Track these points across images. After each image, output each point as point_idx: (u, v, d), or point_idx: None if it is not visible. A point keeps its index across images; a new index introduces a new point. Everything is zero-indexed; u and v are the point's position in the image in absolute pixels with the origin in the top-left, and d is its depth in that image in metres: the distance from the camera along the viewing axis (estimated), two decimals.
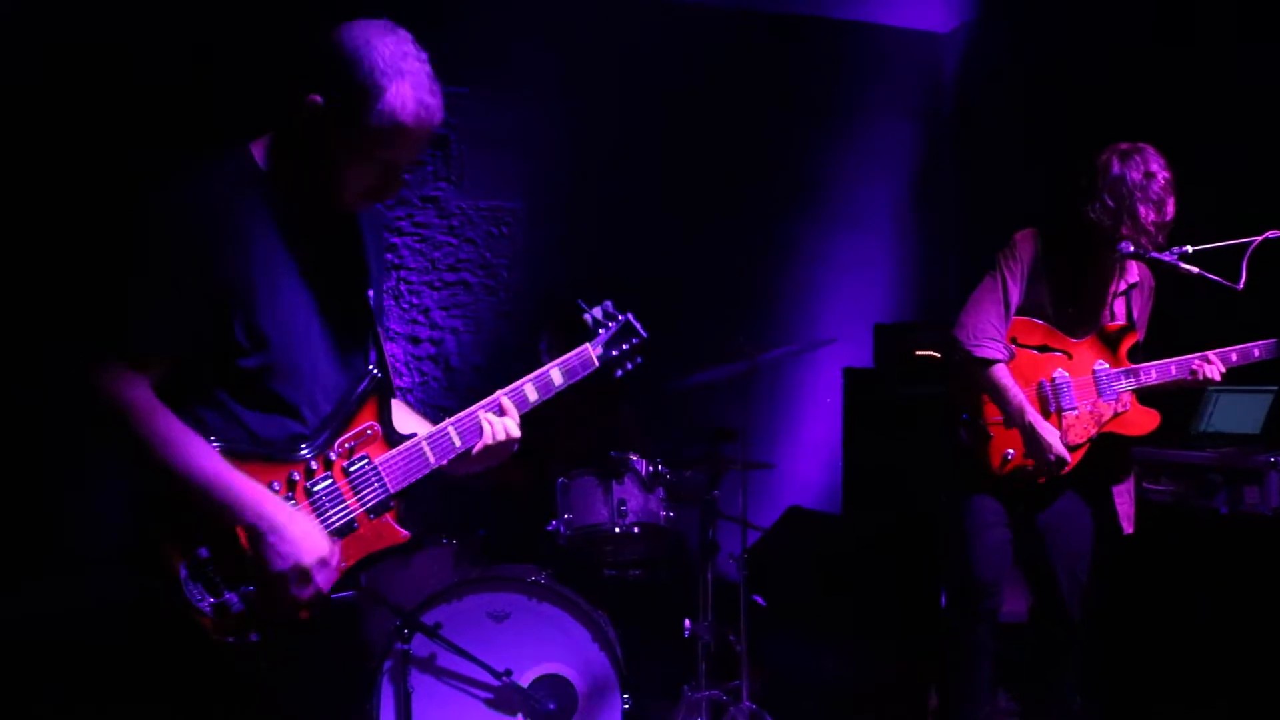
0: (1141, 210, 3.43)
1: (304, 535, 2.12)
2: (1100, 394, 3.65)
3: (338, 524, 2.24)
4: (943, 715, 3.75)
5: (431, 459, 2.35)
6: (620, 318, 2.67)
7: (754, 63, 6.27)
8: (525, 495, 4.61)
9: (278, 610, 2.13)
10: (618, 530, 4.23)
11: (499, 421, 2.42)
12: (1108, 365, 3.68)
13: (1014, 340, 3.66)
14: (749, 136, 6.21)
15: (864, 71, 6.55)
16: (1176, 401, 4.37)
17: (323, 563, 2.14)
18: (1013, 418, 3.55)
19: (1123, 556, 3.75)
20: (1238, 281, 3.47)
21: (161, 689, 2.23)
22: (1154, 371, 3.68)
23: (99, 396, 2.08)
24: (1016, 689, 4.74)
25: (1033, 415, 3.53)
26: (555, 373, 2.54)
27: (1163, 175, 3.46)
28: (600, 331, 2.63)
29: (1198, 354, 3.69)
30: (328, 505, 2.23)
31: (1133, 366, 3.69)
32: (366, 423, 2.31)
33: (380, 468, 2.30)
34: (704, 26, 6.17)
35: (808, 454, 6.32)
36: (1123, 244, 3.48)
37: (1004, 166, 6.15)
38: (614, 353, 2.64)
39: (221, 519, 2.09)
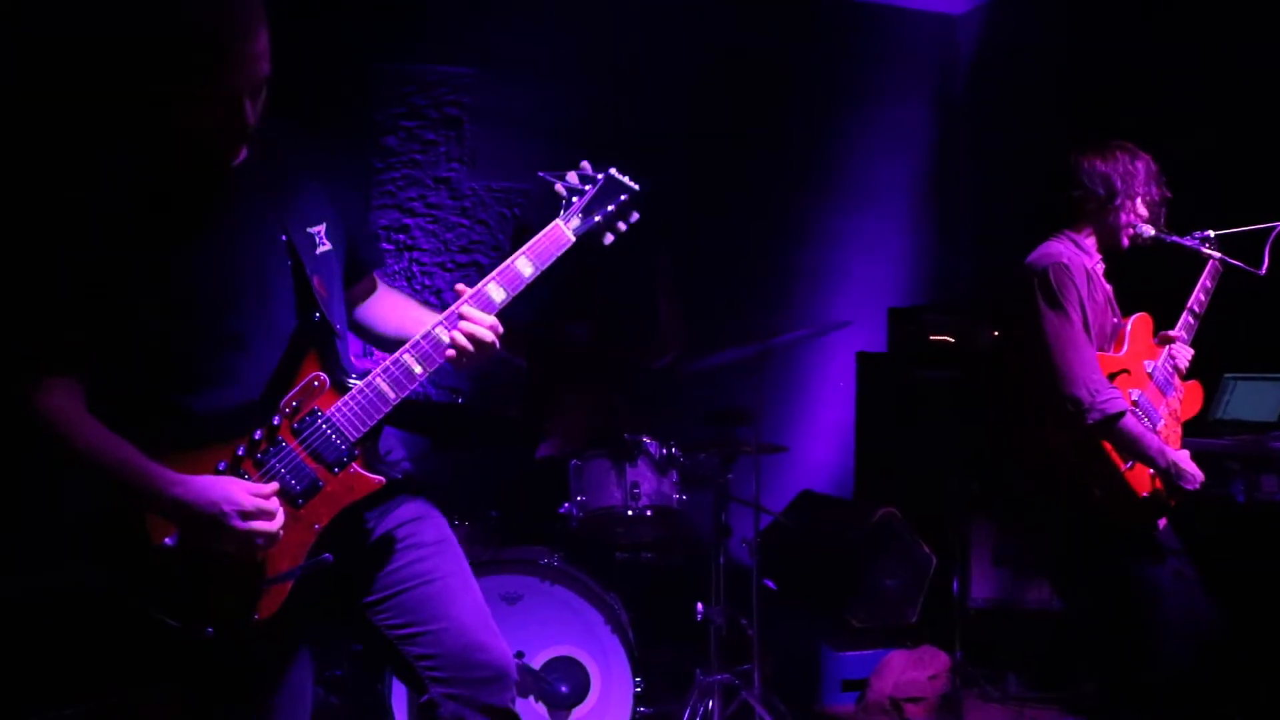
0: (1142, 193, 3.36)
1: (204, 490, 2.05)
2: (1165, 393, 3.42)
3: (300, 488, 2.16)
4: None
5: (391, 394, 2.21)
6: (599, 177, 2.43)
7: (768, 44, 6.22)
8: (522, 429, 4.58)
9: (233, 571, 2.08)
10: (630, 513, 4.22)
11: (465, 330, 2.25)
12: (1152, 361, 3.43)
13: None
14: (764, 118, 6.17)
15: (879, 53, 6.50)
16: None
17: (243, 510, 2.05)
18: (1155, 462, 3.14)
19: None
20: (1259, 267, 3.43)
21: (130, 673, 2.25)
22: (1180, 341, 3.50)
23: (23, 405, 2.08)
24: (1031, 676, 4.76)
25: (1171, 451, 3.17)
26: (522, 261, 2.32)
27: (1144, 158, 3.39)
28: (574, 200, 2.40)
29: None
30: (282, 470, 2.16)
31: (1165, 351, 3.48)
32: (310, 374, 2.20)
33: (334, 417, 2.19)
34: (717, 8, 6.12)
35: (821, 438, 6.30)
36: (1143, 227, 3.43)
37: (1019, 148, 6.11)
38: (595, 219, 2.39)
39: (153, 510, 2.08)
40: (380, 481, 2.22)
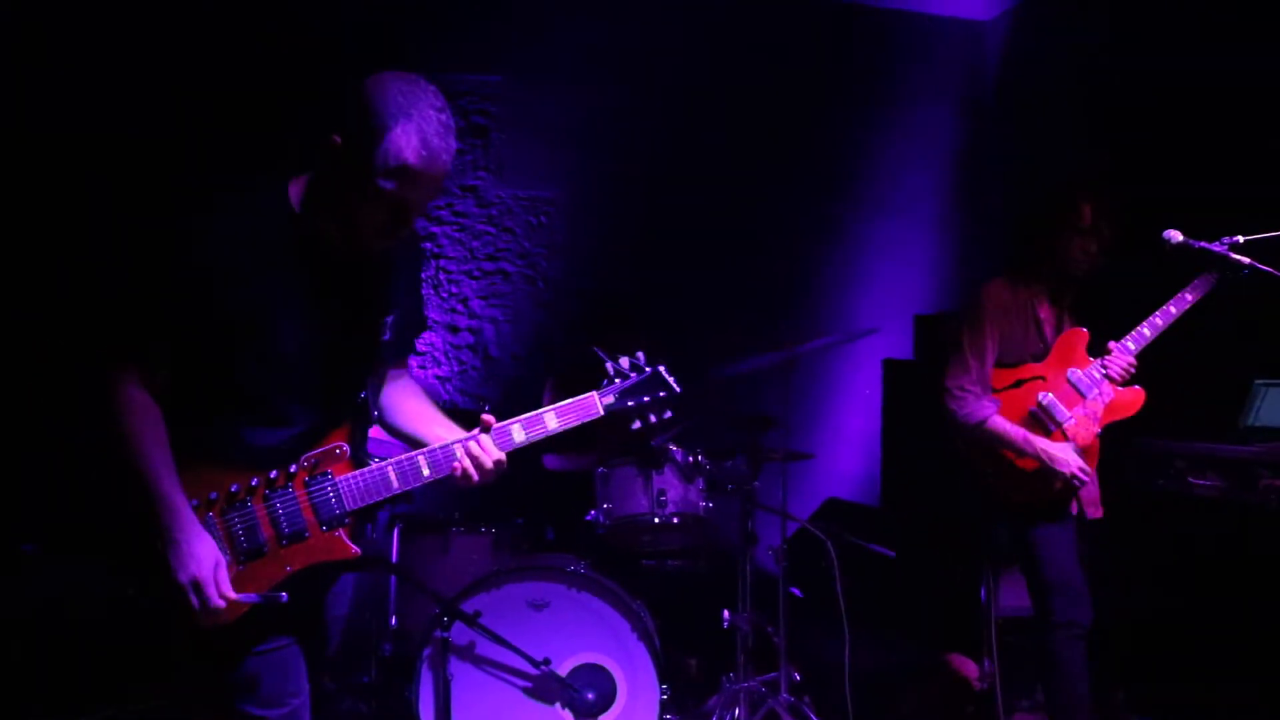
0: (1078, 240, 3.76)
1: (196, 553, 2.26)
2: (1084, 394, 3.83)
3: (289, 530, 2.38)
4: None
5: (395, 484, 2.44)
6: (648, 370, 2.59)
7: (796, 50, 6.22)
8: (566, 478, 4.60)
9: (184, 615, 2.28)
10: (657, 520, 4.23)
11: (474, 455, 2.46)
12: (1077, 370, 3.85)
13: (994, 389, 3.89)
14: (791, 124, 6.17)
15: (907, 59, 6.49)
16: (1224, 396, 4.32)
17: (208, 583, 2.26)
18: (1023, 451, 3.76)
19: (1171, 551, 3.71)
20: None
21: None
22: (1120, 351, 3.81)
23: (100, 386, 2.30)
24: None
25: (1040, 441, 3.75)
26: (550, 416, 2.53)
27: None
28: (617, 380, 2.57)
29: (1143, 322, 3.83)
30: (281, 512, 2.38)
31: (1098, 361, 3.85)
32: (336, 443, 2.43)
33: (341, 485, 2.42)
34: (745, 14, 6.13)
35: (847, 445, 6.29)
36: (1170, 232, 3.55)
37: (1046, 154, 6.08)
38: (630, 403, 2.56)
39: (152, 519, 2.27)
40: (357, 553, 2.44)
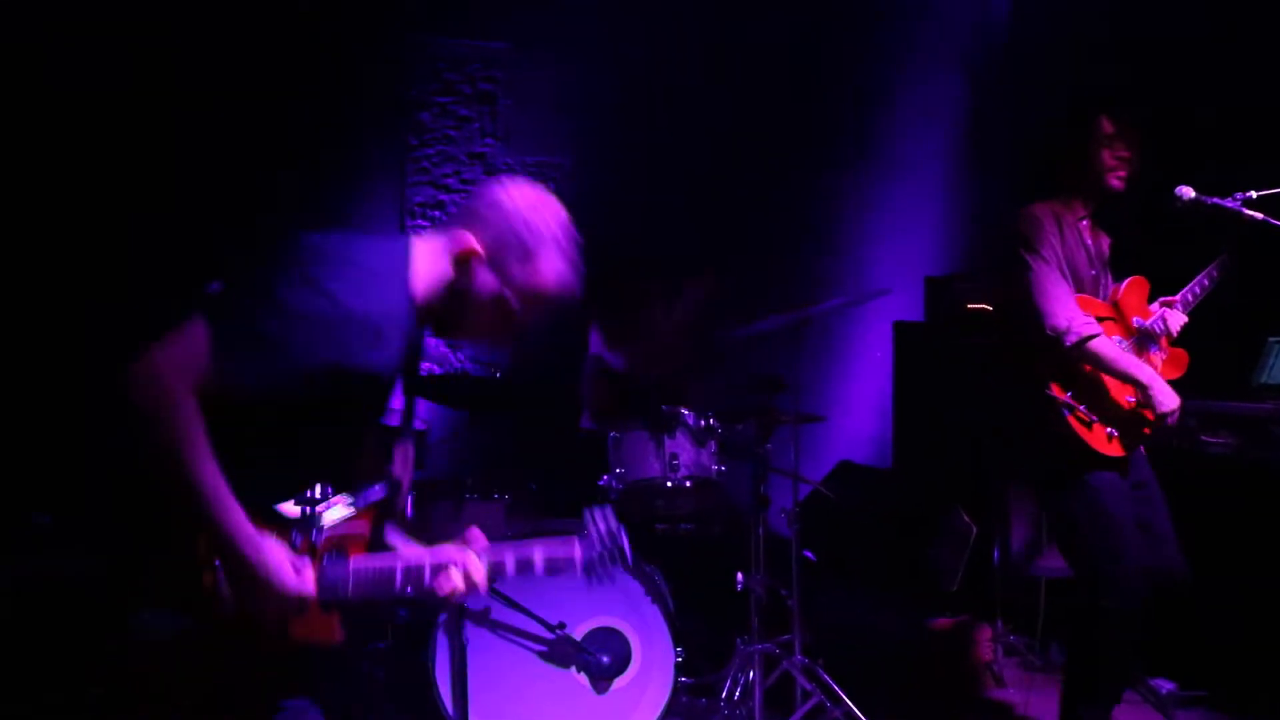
0: (1105, 151, 3.60)
1: (271, 551, 2.16)
2: (1146, 349, 3.67)
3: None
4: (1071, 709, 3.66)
5: (396, 586, 2.34)
6: (628, 558, 2.56)
7: (802, 12, 6.18)
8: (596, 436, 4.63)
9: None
10: (670, 484, 4.23)
11: (466, 577, 2.38)
12: (1142, 319, 3.69)
13: None
14: (797, 87, 6.14)
15: (914, 20, 6.44)
16: (1235, 353, 4.31)
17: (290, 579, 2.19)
18: (1132, 376, 3.46)
19: (1184, 510, 3.70)
20: None
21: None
22: (1178, 308, 3.70)
23: (168, 392, 2.09)
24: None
25: (1148, 372, 3.48)
26: (537, 550, 2.48)
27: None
28: (598, 547, 2.53)
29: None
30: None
31: (1159, 311, 3.70)
32: (360, 528, 2.35)
33: (352, 572, 2.31)
34: None
35: (859, 408, 6.29)
36: (1181, 188, 3.49)
37: (1054, 114, 6.03)
38: (599, 568, 2.54)
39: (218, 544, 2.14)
40: (339, 640, 2.32)
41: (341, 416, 2.29)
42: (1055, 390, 3.47)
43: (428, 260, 2.33)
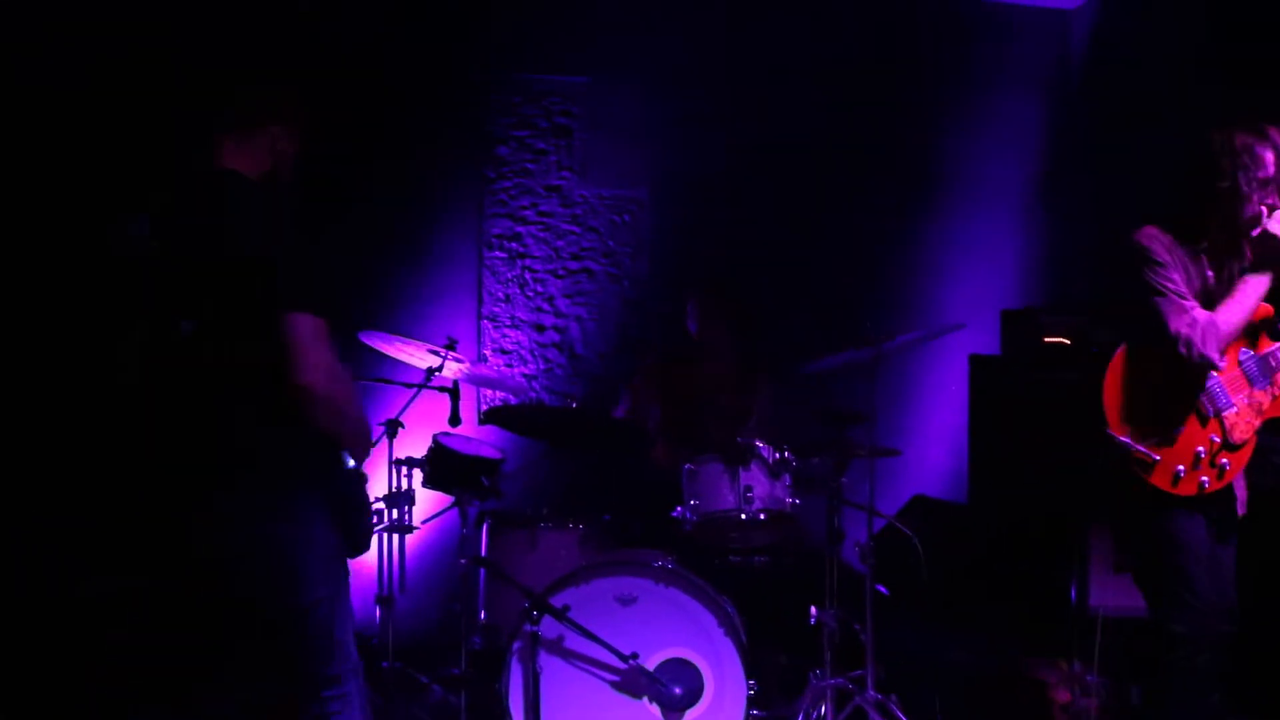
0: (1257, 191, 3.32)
1: None
2: (1253, 384, 3.43)
3: None
4: None
5: None
6: None
7: (879, 43, 6.20)
8: (667, 475, 4.64)
9: None
10: (744, 517, 4.24)
11: None
12: (1251, 351, 3.46)
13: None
14: (874, 118, 6.14)
15: (991, 50, 6.42)
16: None
17: None
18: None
19: (1272, 548, 3.62)
20: None
21: None
22: None
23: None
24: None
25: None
26: None
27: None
28: None
29: None
30: None
31: (1274, 345, 3.46)
32: None
33: None
34: (827, 7, 6.11)
35: (933, 442, 6.23)
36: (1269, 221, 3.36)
37: (1134, 145, 5.97)
38: None
39: None
40: None
41: None
42: (1114, 430, 3.37)
43: None
